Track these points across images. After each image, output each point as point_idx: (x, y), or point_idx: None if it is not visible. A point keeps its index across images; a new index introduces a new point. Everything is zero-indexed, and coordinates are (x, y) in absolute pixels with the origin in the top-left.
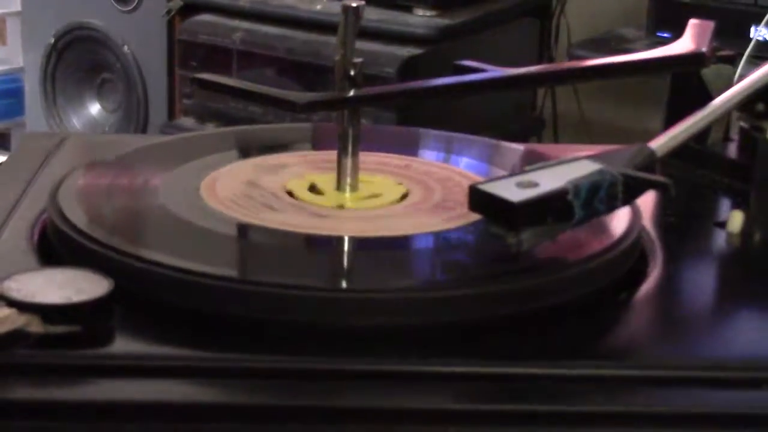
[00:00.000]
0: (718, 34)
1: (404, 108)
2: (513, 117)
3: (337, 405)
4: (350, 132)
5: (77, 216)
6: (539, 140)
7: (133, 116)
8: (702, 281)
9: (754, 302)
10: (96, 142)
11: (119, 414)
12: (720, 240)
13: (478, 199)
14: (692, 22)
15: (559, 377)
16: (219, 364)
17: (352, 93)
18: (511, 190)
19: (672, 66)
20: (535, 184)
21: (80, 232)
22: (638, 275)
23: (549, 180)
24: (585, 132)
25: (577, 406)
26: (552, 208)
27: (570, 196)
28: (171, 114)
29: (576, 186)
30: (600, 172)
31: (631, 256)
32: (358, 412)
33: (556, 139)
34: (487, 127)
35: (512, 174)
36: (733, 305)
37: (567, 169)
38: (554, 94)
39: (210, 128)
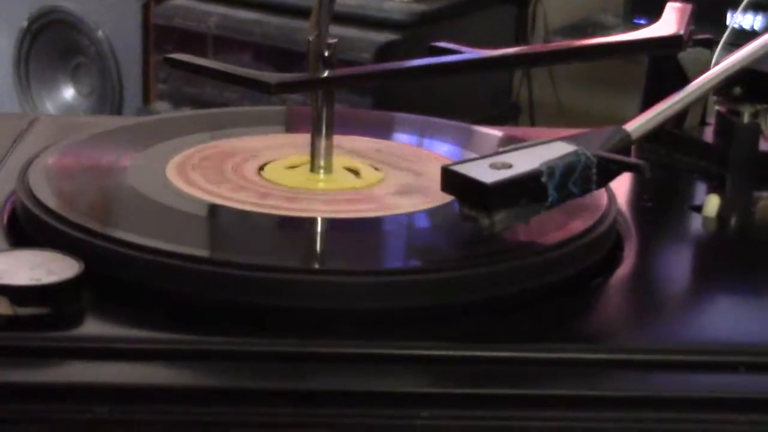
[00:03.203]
0: (694, 21)
1: (380, 94)
2: (489, 102)
3: (309, 388)
4: (324, 113)
5: (46, 197)
6: (516, 125)
7: (108, 100)
8: (677, 265)
9: (729, 286)
10: (67, 123)
11: (88, 396)
12: (696, 224)
13: (451, 180)
14: (670, 5)
15: (533, 361)
16: (189, 346)
17: (326, 74)
18: (484, 172)
19: (649, 48)
20: (508, 166)
21: (50, 212)
22: (614, 259)
23: (523, 162)
24: (561, 117)
25: (551, 390)
26: (525, 190)
27: (544, 178)
28: (146, 98)
29: (550, 168)
30: (575, 154)
31: (606, 240)
32: (329, 395)
33: (532, 125)
34: (463, 113)
35: (486, 155)
36: (708, 289)
37: (541, 150)
38: (530, 80)
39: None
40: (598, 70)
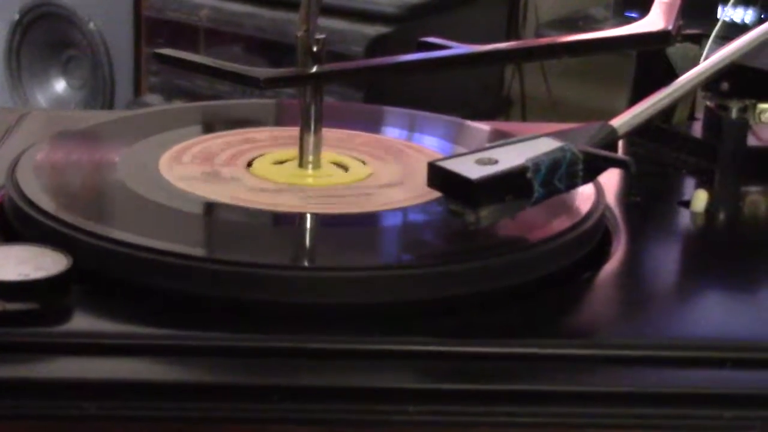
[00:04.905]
0: (685, 14)
1: (371, 88)
2: (480, 96)
3: (298, 384)
4: (312, 108)
5: (35, 192)
6: (507, 119)
7: (99, 93)
8: (665, 261)
9: (717, 282)
10: (57, 117)
11: (76, 392)
12: (684, 219)
13: (437, 175)
14: (659, 0)
15: (521, 356)
16: (177, 342)
17: (314, 69)
18: (470, 167)
19: (638, 43)
20: (494, 162)
21: (38, 208)
22: (601, 254)
23: (509, 157)
24: (553, 111)
25: (539, 385)
26: (511, 186)
27: (529, 174)
28: (137, 91)
29: (536, 163)
30: (560, 149)
31: (594, 235)
32: (318, 391)
33: (523, 119)
34: (454, 107)
35: (472, 151)
36: (696, 285)
37: (527, 146)
38: (522, 74)
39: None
40: (590, 64)
